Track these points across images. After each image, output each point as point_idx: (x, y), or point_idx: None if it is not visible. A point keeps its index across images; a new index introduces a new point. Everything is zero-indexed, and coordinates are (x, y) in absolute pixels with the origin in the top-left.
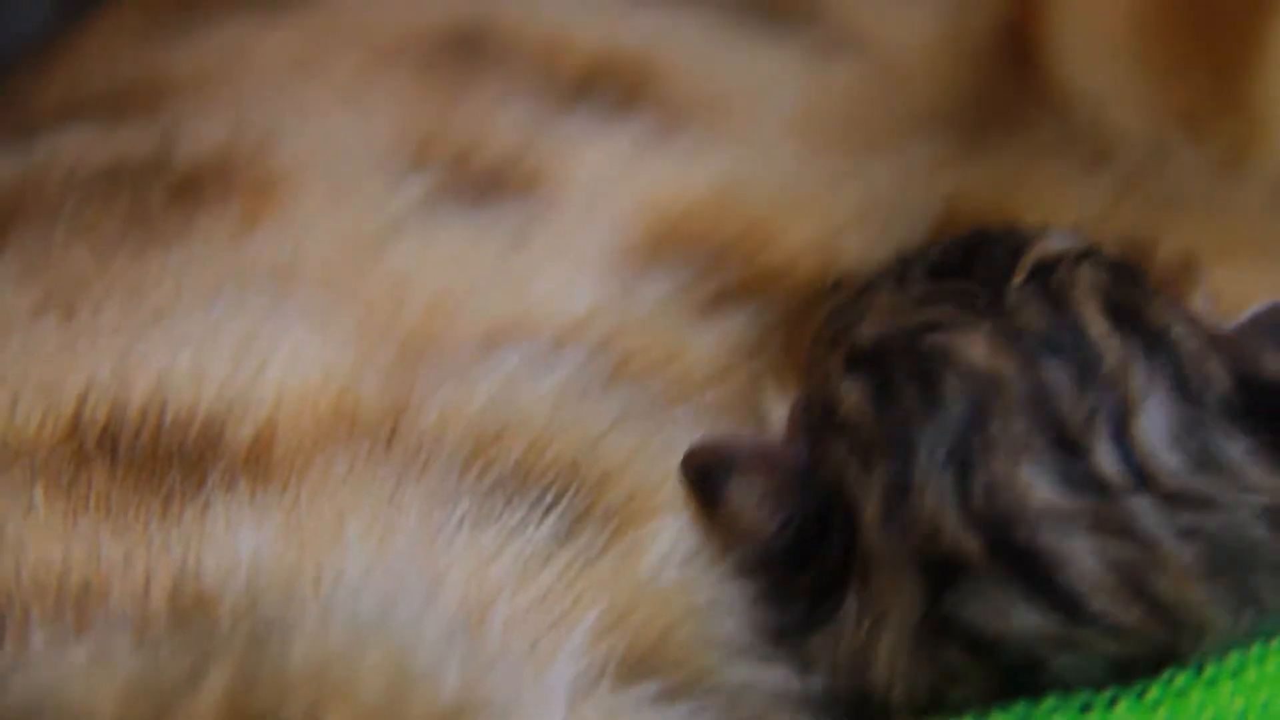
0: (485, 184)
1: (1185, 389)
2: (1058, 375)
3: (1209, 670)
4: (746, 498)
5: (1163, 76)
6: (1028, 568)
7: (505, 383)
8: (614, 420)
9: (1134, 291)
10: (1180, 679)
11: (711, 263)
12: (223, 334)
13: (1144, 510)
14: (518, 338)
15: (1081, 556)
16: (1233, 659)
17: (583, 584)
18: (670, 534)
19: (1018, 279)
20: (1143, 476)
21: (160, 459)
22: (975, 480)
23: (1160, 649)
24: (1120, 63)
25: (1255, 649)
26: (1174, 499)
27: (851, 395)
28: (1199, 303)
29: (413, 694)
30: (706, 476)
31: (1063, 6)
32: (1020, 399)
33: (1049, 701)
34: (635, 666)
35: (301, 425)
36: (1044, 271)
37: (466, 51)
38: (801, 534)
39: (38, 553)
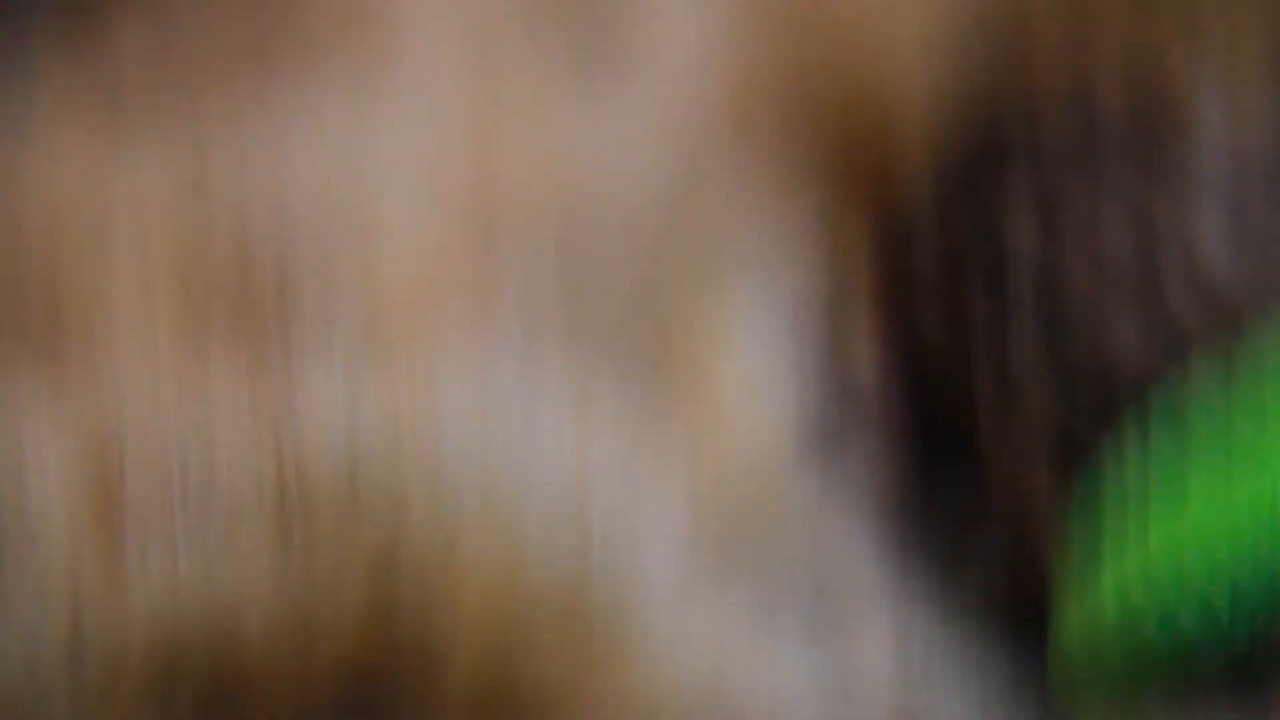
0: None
1: None
2: None
3: None
4: None
5: None
6: None
7: (587, 254)
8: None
9: None
10: None
11: None
12: None
13: None
14: (598, 207)
15: None
16: None
17: (662, 451)
18: (738, 394)
19: None
20: None
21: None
22: None
23: None
24: None
25: None
26: None
27: None
28: None
29: (535, 585)
30: None
31: None
32: None
33: None
34: (728, 562)
35: (390, 295)
36: None
37: None
38: None
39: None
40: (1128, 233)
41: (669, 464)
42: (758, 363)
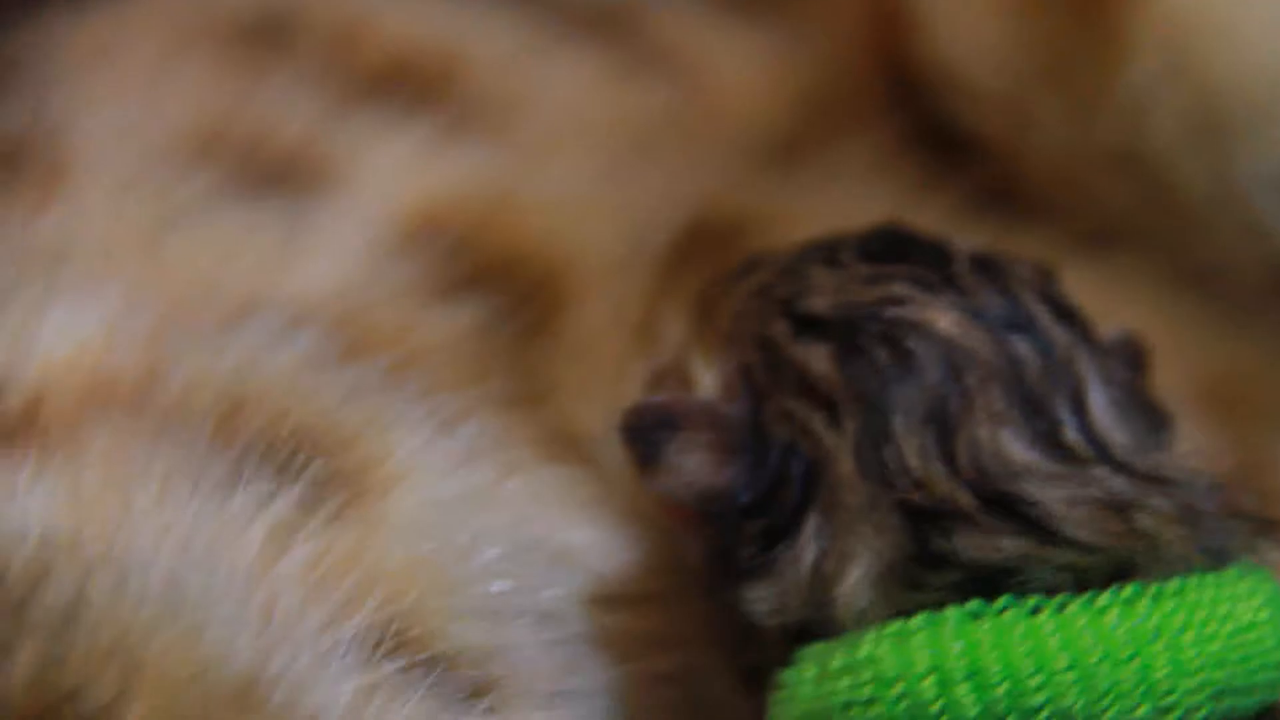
0: (268, 175)
1: (1110, 381)
2: (1025, 352)
3: (1154, 588)
4: (690, 453)
5: (1028, 30)
6: (1014, 511)
7: (247, 354)
8: (346, 394)
9: (1053, 288)
10: (1128, 591)
11: (456, 254)
12: (1, 314)
13: (1110, 477)
14: (263, 313)
15: (1063, 500)
16: (1176, 582)
17: (332, 556)
18: (402, 505)
19: (961, 267)
20: (1102, 450)
21: None
22: (958, 440)
23: (1118, 568)
24: (987, 26)
25: (1195, 578)
26: (1130, 473)
27: (814, 357)
28: None
29: (210, 672)
30: (646, 434)
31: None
32: (993, 370)
33: (1002, 602)
34: (388, 640)
35: (64, 396)
36: (981, 263)
37: (266, 39)
38: (753, 484)
39: None
40: None
41: (345, 576)
42: (429, 478)
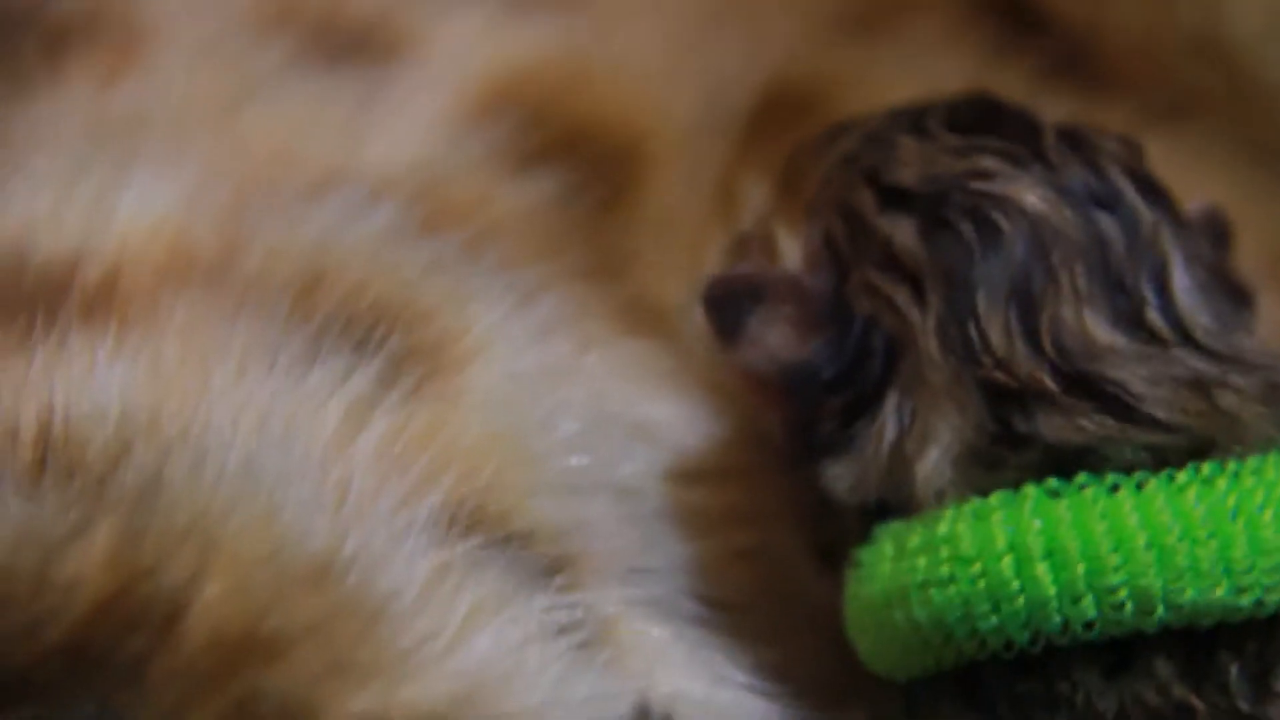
0: (343, 46)
1: (1194, 260)
2: (1110, 230)
3: (1232, 466)
4: (773, 325)
5: None
6: (1095, 391)
7: (325, 228)
8: (425, 267)
9: (1140, 164)
10: (1207, 469)
11: (532, 125)
12: (78, 183)
13: (1192, 357)
14: (341, 186)
15: (1145, 379)
16: (1255, 461)
17: (409, 432)
18: (480, 380)
19: (1049, 141)
20: (1185, 331)
21: (21, 303)
22: (1042, 319)
23: (1198, 447)
24: None
25: (1275, 457)
26: (1212, 353)
27: (899, 230)
28: None
29: (286, 551)
30: (728, 305)
31: None
32: (1078, 248)
33: (1081, 480)
34: (463, 517)
35: (142, 269)
36: (1069, 137)
37: None
38: (835, 358)
39: None
40: None
41: (422, 453)
42: (507, 352)
